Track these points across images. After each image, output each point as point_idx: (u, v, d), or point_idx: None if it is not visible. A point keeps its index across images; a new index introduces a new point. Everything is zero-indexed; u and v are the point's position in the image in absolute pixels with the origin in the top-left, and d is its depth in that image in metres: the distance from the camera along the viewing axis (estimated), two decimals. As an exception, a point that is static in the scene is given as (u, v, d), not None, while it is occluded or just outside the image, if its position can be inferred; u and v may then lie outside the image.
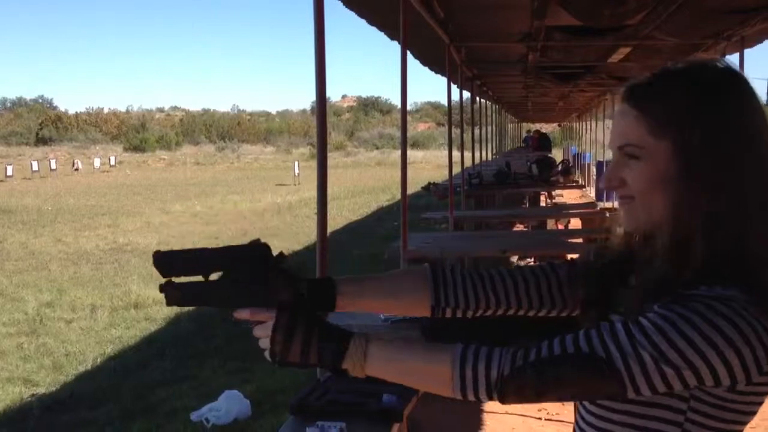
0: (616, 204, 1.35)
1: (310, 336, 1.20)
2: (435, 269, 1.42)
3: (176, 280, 1.33)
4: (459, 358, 1.15)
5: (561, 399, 1.16)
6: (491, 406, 5.09)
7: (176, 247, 1.43)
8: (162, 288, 1.32)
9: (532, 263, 9.14)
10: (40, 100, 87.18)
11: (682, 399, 1.13)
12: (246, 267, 1.27)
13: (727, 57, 7.49)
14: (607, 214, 8.95)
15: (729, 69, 1.20)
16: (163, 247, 1.42)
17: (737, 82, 1.18)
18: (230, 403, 4.99)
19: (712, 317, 1.05)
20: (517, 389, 1.12)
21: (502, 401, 1.15)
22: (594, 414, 1.23)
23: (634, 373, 1.06)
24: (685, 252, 1.14)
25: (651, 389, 1.08)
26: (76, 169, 37.84)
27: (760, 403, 1.17)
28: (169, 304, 1.33)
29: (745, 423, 1.17)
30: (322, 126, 3.06)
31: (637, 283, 1.24)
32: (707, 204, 1.12)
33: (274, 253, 1.28)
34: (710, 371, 1.05)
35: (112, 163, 41.28)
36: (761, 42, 7.14)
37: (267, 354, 1.23)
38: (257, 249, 1.27)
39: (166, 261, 1.32)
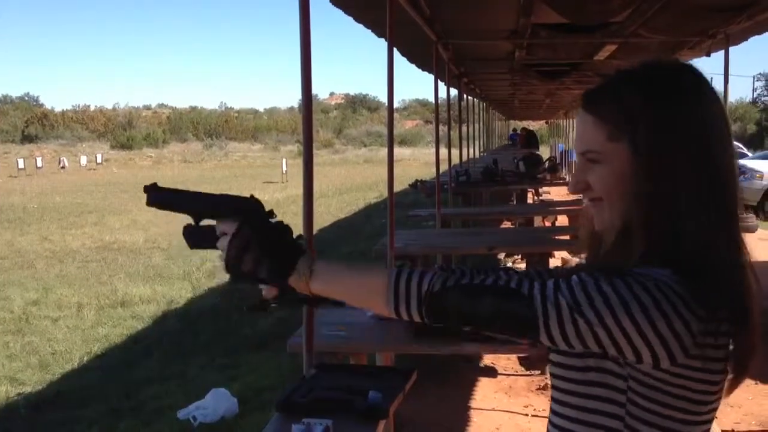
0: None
1: (263, 250, 1.26)
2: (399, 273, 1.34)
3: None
4: (395, 274, 1.22)
5: (481, 327, 1.20)
6: (478, 402, 5.11)
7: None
8: (146, 188, 1.38)
9: (519, 260, 9.16)
10: (26, 98, 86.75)
11: (620, 377, 1.16)
12: (238, 217, 1.33)
13: (713, 54, 7.54)
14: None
15: (683, 68, 1.22)
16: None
17: (691, 81, 1.20)
18: (217, 401, 4.98)
19: (635, 287, 1.09)
20: (442, 307, 1.19)
21: (428, 318, 1.20)
22: (556, 400, 1.27)
23: (549, 315, 1.11)
24: (626, 244, 1.18)
25: (564, 337, 1.12)
26: (63, 167, 37.64)
27: (712, 393, 1.17)
28: (149, 204, 1.40)
29: (697, 413, 1.17)
30: (308, 123, 3.05)
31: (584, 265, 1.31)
32: (651, 202, 1.15)
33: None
34: (624, 336, 1.09)
35: (99, 160, 41.08)
36: (746, 39, 7.17)
37: (222, 265, 1.29)
38: (250, 202, 1.35)
39: (158, 193, 1.39)
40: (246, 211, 1.32)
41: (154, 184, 1.39)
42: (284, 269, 1.26)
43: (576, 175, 1.28)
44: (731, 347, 1.16)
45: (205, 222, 1.37)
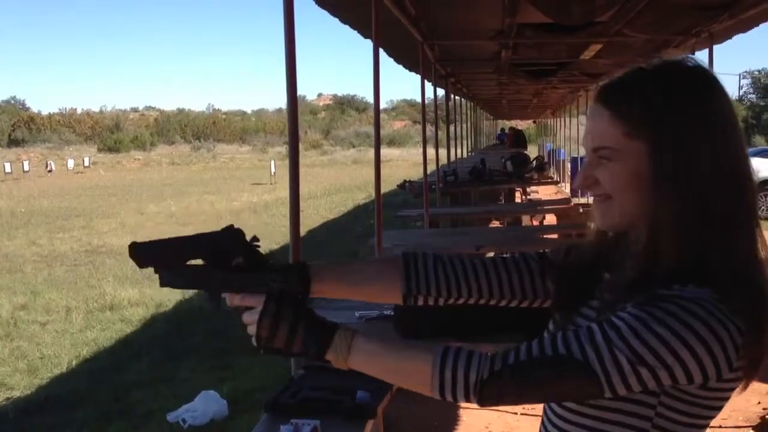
0: (590, 200, 1.36)
1: (296, 324, 1.23)
2: (407, 257, 1.43)
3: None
4: (440, 359, 1.16)
5: (539, 401, 1.18)
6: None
7: None
8: (157, 270, 1.34)
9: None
10: (12, 102, 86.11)
11: (652, 394, 1.14)
12: (221, 252, 1.31)
13: (697, 53, 7.58)
14: (581, 210, 9.03)
15: (700, 68, 1.21)
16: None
17: (709, 81, 1.19)
18: (207, 404, 4.98)
19: (685, 317, 1.07)
20: (496, 392, 1.14)
21: (481, 404, 1.16)
22: (565, 407, 1.23)
23: (611, 375, 1.08)
24: (657, 251, 1.16)
25: (627, 389, 1.09)
26: (50, 171, 37.46)
27: (728, 398, 1.18)
28: (162, 285, 1.36)
29: (712, 417, 1.19)
30: (293, 124, 3.06)
31: (611, 280, 1.26)
32: (679, 204, 1.14)
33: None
34: (683, 370, 1.07)
35: (86, 164, 40.93)
36: (730, 38, 7.22)
37: (253, 340, 1.26)
38: (231, 234, 1.32)
39: (141, 253, 1.35)
40: (272, 284, 1.28)
41: (165, 269, 1.33)
42: (320, 348, 1.23)
43: (584, 170, 1.24)
44: (750, 348, 1.15)
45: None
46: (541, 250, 1.48)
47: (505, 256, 1.47)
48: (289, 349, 1.23)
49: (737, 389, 1.19)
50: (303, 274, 1.37)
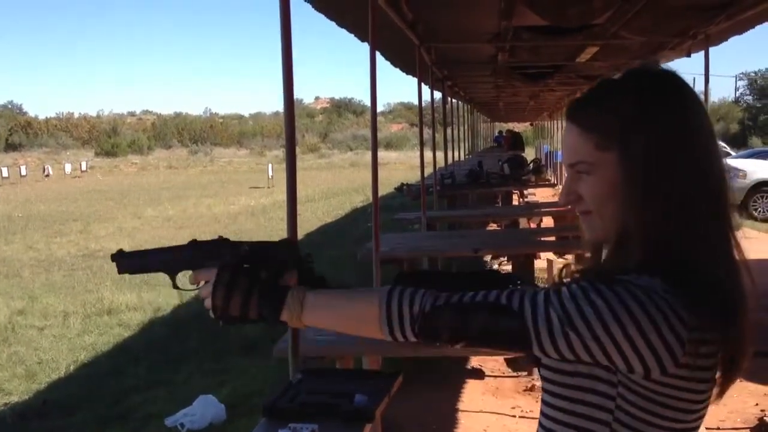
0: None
1: (249, 291, 1.27)
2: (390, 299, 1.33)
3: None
4: (386, 297, 1.22)
5: (473, 342, 1.20)
6: (466, 404, 5.13)
7: None
8: (113, 257, 1.38)
9: (504, 261, 9.18)
10: (9, 106, 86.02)
11: (610, 384, 1.15)
12: (276, 262, 1.35)
13: (693, 55, 7.60)
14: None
15: (666, 72, 1.22)
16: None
17: (678, 86, 1.20)
18: (205, 408, 4.97)
19: (625, 297, 1.09)
20: (434, 327, 1.20)
21: (422, 338, 1.21)
22: (545, 402, 1.27)
23: (539, 329, 1.12)
24: (624, 254, 1.17)
25: (555, 350, 1.12)
26: (47, 175, 37.44)
27: (700, 402, 1.17)
28: (120, 272, 1.40)
29: (685, 421, 1.17)
30: (291, 128, 3.07)
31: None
32: (649, 210, 1.15)
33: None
34: (615, 348, 1.09)
35: (84, 168, 40.89)
36: (726, 40, 7.23)
37: (210, 312, 1.29)
38: (287, 246, 1.40)
39: (130, 265, 1.40)
40: (221, 255, 1.31)
41: (120, 251, 1.38)
42: (274, 308, 1.26)
43: (566, 187, 1.27)
44: (723, 349, 1.16)
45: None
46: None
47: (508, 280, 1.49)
48: (245, 316, 1.27)
49: (715, 392, 1.19)
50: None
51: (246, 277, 1.28)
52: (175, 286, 1.39)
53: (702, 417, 1.20)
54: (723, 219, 1.18)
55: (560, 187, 18.25)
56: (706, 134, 1.19)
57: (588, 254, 1.36)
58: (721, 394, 1.22)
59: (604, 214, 1.22)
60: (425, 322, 1.19)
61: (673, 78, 1.21)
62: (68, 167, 39.95)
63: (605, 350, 1.09)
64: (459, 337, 1.19)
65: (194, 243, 1.37)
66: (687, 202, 1.15)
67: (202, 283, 1.35)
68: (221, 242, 1.35)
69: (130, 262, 1.38)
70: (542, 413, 1.28)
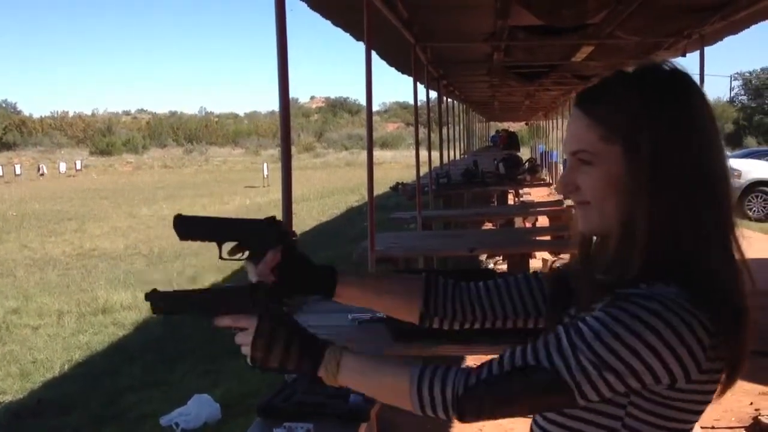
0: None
1: (290, 343, 1.25)
2: (429, 278, 1.47)
3: (163, 289, 1.38)
4: (417, 377, 1.19)
5: (517, 414, 1.18)
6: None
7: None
8: (147, 297, 1.35)
9: (500, 261, 9.19)
10: (4, 105, 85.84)
11: (622, 394, 1.14)
12: (259, 239, 1.37)
13: (688, 55, 7.61)
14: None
15: (676, 71, 1.21)
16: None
17: (686, 84, 1.20)
18: (200, 407, 4.97)
19: (648, 318, 1.07)
20: (473, 408, 1.16)
21: (461, 420, 1.18)
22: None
23: (579, 382, 1.09)
24: (628, 253, 1.16)
25: (598, 395, 1.10)
26: (42, 174, 37.36)
27: (707, 402, 1.18)
28: (155, 312, 1.37)
29: (692, 422, 1.18)
30: (286, 127, 3.06)
31: (586, 282, 1.26)
32: (653, 207, 1.14)
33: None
34: (649, 371, 1.08)
35: (78, 167, 40.82)
36: (721, 40, 7.25)
37: (248, 359, 1.28)
38: (271, 223, 1.37)
39: (184, 224, 1.41)
40: (262, 304, 1.30)
41: (154, 291, 1.35)
42: (312, 365, 1.26)
43: (565, 176, 1.26)
44: (730, 351, 1.16)
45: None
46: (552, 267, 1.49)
47: (521, 275, 1.49)
48: (283, 368, 1.26)
49: (717, 392, 1.19)
50: (331, 277, 1.43)
51: (286, 328, 1.27)
52: (214, 328, 1.36)
53: (702, 412, 1.21)
54: (726, 218, 1.18)
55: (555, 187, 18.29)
56: (713, 134, 1.19)
57: (576, 248, 1.35)
58: (721, 394, 1.21)
59: (602, 208, 1.21)
60: (462, 406, 1.16)
61: (683, 76, 1.21)
62: (63, 166, 39.88)
63: (639, 377, 1.09)
64: (501, 413, 1.17)
65: (236, 288, 1.35)
66: (693, 200, 1.14)
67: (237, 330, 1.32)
68: (261, 288, 1.33)
69: (166, 303, 1.35)
70: (542, 417, 1.26)
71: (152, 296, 1.34)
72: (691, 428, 1.21)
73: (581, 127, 1.22)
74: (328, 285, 1.42)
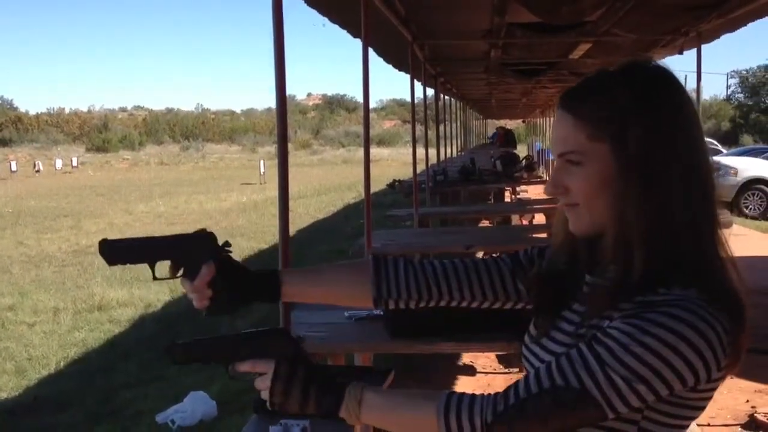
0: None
1: (308, 387, 1.25)
2: (377, 261, 1.46)
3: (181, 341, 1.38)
4: (443, 408, 1.17)
5: None
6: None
7: None
8: (168, 348, 1.36)
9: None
10: (0, 101, 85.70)
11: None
12: (192, 255, 1.34)
13: (685, 52, 7.62)
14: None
15: (659, 67, 1.22)
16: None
17: (670, 81, 1.20)
18: (196, 404, 4.96)
19: (675, 325, 1.07)
20: None
21: None
22: None
23: (610, 398, 1.08)
24: (626, 254, 1.16)
25: (627, 407, 1.10)
26: (38, 171, 37.26)
27: (711, 398, 1.19)
28: (175, 362, 1.37)
29: (696, 417, 1.19)
30: (283, 124, 3.05)
31: (592, 287, 1.26)
32: (645, 205, 1.14)
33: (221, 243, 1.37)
34: (678, 378, 1.08)
35: (75, 164, 40.72)
36: (718, 37, 7.25)
37: (267, 404, 1.28)
38: (202, 237, 1.34)
39: (111, 250, 1.38)
40: (281, 351, 1.30)
41: (174, 344, 1.35)
42: (332, 407, 1.25)
43: (554, 178, 1.25)
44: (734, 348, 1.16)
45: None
46: (515, 252, 1.48)
47: (479, 258, 1.48)
48: (303, 411, 1.26)
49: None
50: (274, 280, 1.41)
51: (304, 372, 1.26)
52: (231, 377, 1.37)
53: None
54: (713, 215, 1.18)
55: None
56: (697, 129, 1.20)
57: (558, 239, 1.35)
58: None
59: (592, 208, 1.20)
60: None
61: (666, 73, 1.21)
62: (59, 163, 39.79)
63: (668, 384, 1.08)
64: None
65: (257, 332, 1.35)
66: (685, 196, 1.14)
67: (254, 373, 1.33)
68: (286, 336, 1.34)
69: (185, 355, 1.36)
70: None
71: (174, 348, 1.35)
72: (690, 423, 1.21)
73: (568, 128, 1.21)
74: (271, 289, 1.41)
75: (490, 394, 1.17)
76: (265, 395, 1.28)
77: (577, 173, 1.20)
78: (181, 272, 1.38)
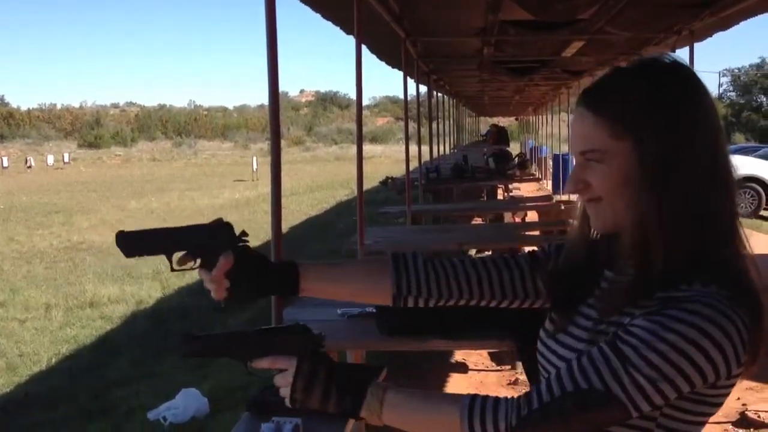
0: (572, 197, 1.36)
1: (329, 385, 1.24)
2: (397, 258, 1.44)
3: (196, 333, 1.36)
4: (467, 412, 1.17)
5: None
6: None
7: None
8: (185, 340, 1.34)
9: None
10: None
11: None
12: (209, 245, 1.32)
13: (678, 51, 7.63)
14: (563, 207, 9.07)
15: (678, 64, 1.21)
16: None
17: (689, 77, 1.20)
18: (188, 401, 4.95)
19: (697, 321, 1.07)
20: None
21: None
22: None
23: (635, 398, 1.08)
24: (647, 251, 1.16)
25: (651, 406, 1.10)
26: (29, 167, 37.14)
27: (728, 394, 1.19)
28: (187, 356, 1.36)
29: (712, 414, 1.19)
30: (275, 121, 3.05)
31: (611, 284, 1.26)
32: (667, 201, 1.14)
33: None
34: (700, 375, 1.08)
35: (66, 160, 40.58)
36: (710, 36, 7.26)
37: (287, 401, 1.27)
38: (220, 227, 1.32)
39: (128, 241, 1.34)
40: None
41: (190, 335, 1.34)
42: (355, 408, 1.24)
43: (575, 175, 1.24)
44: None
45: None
46: (531, 249, 1.47)
47: (496, 256, 1.46)
48: (323, 409, 1.24)
49: None
50: (293, 272, 1.38)
51: (325, 369, 1.25)
52: (249, 373, 1.35)
53: None
54: (733, 211, 1.18)
55: (545, 182, 18.34)
56: (716, 124, 1.19)
57: (572, 235, 1.35)
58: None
59: (615, 204, 1.20)
60: None
61: (686, 69, 1.21)
62: (51, 159, 39.66)
63: (691, 381, 1.08)
64: None
65: (280, 328, 1.35)
66: (707, 192, 1.15)
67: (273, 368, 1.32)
68: (309, 335, 1.32)
69: (197, 349, 1.34)
70: None
71: (189, 341, 1.33)
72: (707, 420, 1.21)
73: (588, 126, 1.20)
74: (290, 283, 1.39)
75: (513, 397, 1.17)
76: (284, 392, 1.26)
77: (599, 171, 1.20)
78: (198, 263, 1.35)
